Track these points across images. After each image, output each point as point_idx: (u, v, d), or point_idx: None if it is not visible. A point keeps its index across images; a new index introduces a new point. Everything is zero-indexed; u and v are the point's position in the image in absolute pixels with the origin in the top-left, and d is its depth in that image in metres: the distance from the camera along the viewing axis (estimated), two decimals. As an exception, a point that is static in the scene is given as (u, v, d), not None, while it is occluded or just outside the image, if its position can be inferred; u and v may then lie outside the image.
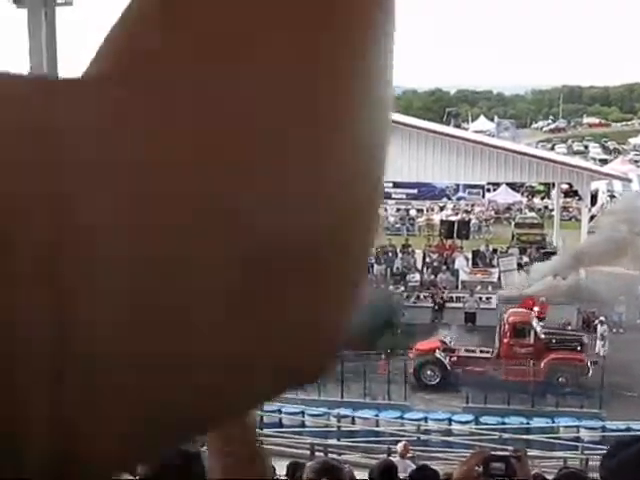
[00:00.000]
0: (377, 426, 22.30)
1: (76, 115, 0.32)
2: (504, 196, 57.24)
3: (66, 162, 0.32)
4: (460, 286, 34.14)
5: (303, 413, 22.88)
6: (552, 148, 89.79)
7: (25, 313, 0.32)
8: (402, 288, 34.06)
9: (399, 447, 13.47)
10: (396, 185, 58.44)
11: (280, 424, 22.33)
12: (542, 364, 25.56)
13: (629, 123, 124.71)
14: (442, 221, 44.61)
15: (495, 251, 37.72)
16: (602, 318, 29.21)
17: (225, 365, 0.40)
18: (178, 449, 3.13)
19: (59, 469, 0.38)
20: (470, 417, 22.54)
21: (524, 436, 20.31)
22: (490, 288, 33.68)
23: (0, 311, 0.32)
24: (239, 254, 0.39)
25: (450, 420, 22.48)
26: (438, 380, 25.95)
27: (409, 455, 13.67)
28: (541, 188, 59.88)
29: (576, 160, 50.27)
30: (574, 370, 25.26)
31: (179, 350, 0.37)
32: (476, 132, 72.72)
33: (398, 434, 19.97)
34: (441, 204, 58.48)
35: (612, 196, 50.91)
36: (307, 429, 21.94)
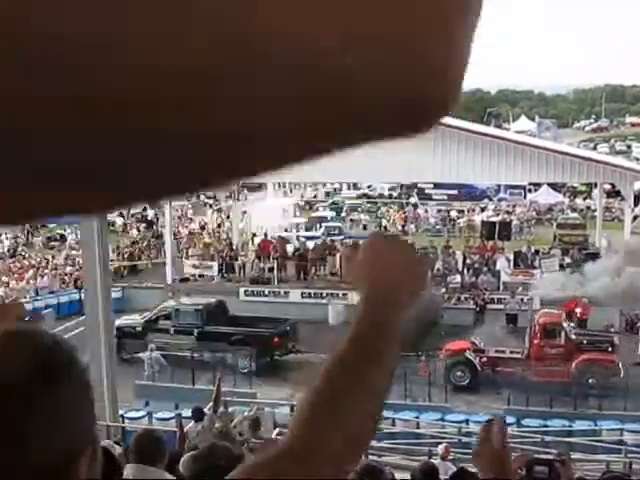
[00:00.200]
0: (418, 428, 22.24)
1: None
2: (546, 197, 56.84)
3: None
4: (501, 287, 33.97)
5: (344, 414, 22.88)
6: (594, 148, 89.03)
7: None
8: (443, 289, 33.97)
9: (440, 449, 13.45)
10: (437, 186, 58.40)
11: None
12: (573, 365, 25.43)
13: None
14: (483, 222, 44.41)
15: (537, 252, 37.49)
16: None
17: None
18: (223, 450, 3.16)
19: None
20: (512, 419, 22.38)
21: (566, 439, 20.13)
22: (531, 289, 33.46)
23: None
24: None
25: (491, 422, 22.35)
26: (468, 381, 25.88)
27: (450, 457, 13.62)
28: (583, 188, 59.42)
29: (619, 160, 49.66)
30: (605, 371, 25.06)
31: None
32: (517, 132, 72.21)
33: (439, 436, 19.90)
34: (482, 205, 58.28)
35: (656, 196, 50.32)
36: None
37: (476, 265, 36.07)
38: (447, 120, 41.81)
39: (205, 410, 13.45)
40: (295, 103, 0.38)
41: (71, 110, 0.34)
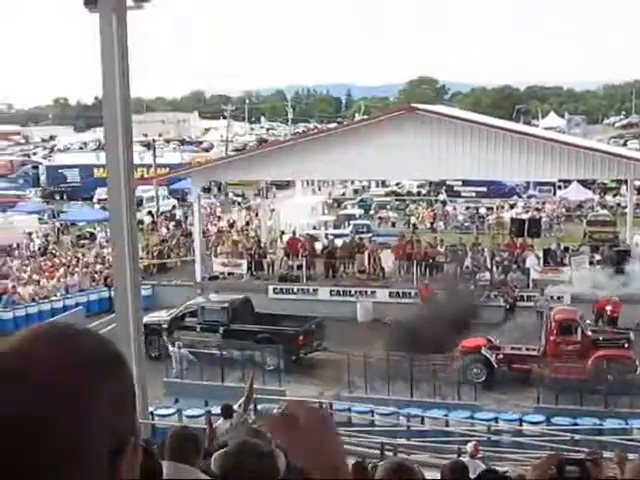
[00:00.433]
0: (447, 426, 22.18)
1: None
2: (575, 193, 56.47)
3: None
4: (531, 285, 33.79)
5: (373, 412, 22.88)
6: (624, 144, 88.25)
7: None
8: (472, 287, 33.84)
9: (469, 447, 13.39)
10: (465, 183, 58.23)
11: (350, 423, 22.35)
12: (589, 361, 25.26)
13: None
14: (512, 219, 44.19)
15: (567, 249, 37.24)
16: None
17: None
18: (253, 446, 3.16)
19: None
20: (542, 417, 22.27)
21: (597, 437, 19.99)
22: (562, 286, 33.26)
23: None
24: None
25: (521, 420, 22.24)
26: (484, 378, 25.76)
27: (479, 455, 13.56)
28: (613, 185, 58.97)
29: (650, 156, 49.28)
30: (622, 368, 24.84)
31: None
32: (546, 129, 71.91)
33: (468, 434, 19.83)
34: (511, 202, 58.03)
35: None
36: (377, 428, 21.92)
37: (505, 262, 35.89)
38: (476, 117, 41.80)
39: (235, 407, 13.47)
40: None
41: None
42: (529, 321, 29.81)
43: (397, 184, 66.14)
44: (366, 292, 34.77)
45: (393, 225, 53.37)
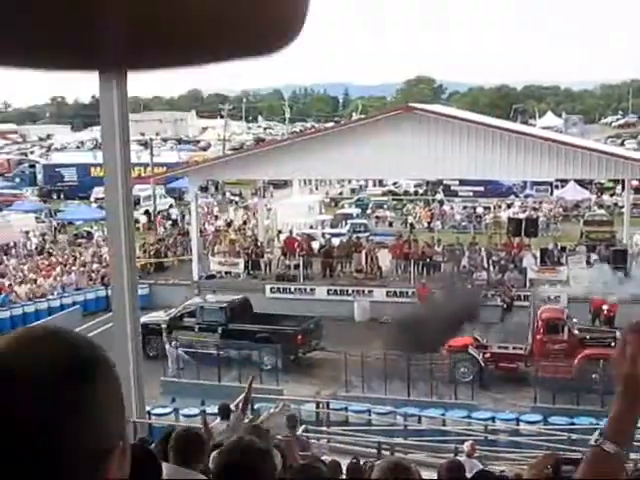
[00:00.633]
0: (444, 425, 22.19)
1: None
2: (572, 193, 56.46)
3: None
4: (528, 284, 33.82)
5: (370, 411, 22.88)
6: (622, 144, 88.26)
7: None
8: (469, 286, 33.87)
9: (466, 446, 13.38)
10: (463, 183, 58.26)
11: (347, 422, 22.36)
12: (576, 360, 25.28)
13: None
14: (509, 219, 44.23)
15: (564, 249, 37.27)
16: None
17: None
18: (249, 446, 3.16)
19: (137, 37, 0.49)
20: (538, 417, 22.29)
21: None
22: (559, 286, 33.30)
23: None
24: None
25: (518, 420, 22.26)
26: (472, 377, 25.77)
27: (476, 455, 13.56)
28: (610, 185, 59.00)
29: (647, 156, 49.33)
30: (608, 367, 24.84)
31: None
32: (543, 128, 71.88)
33: (465, 433, 19.84)
34: (508, 201, 58.03)
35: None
36: (374, 427, 21.92)
37: (502, 262, 35.93)
38: (473, 116, 41.82)
39: (232, 407, 13.45)
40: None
41: None
42: (526, 321, 29.81)
43: (394, 183, 66.13)
44: (363, 291, 34.78)
45: (390, 224, 53.34)
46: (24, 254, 44.29)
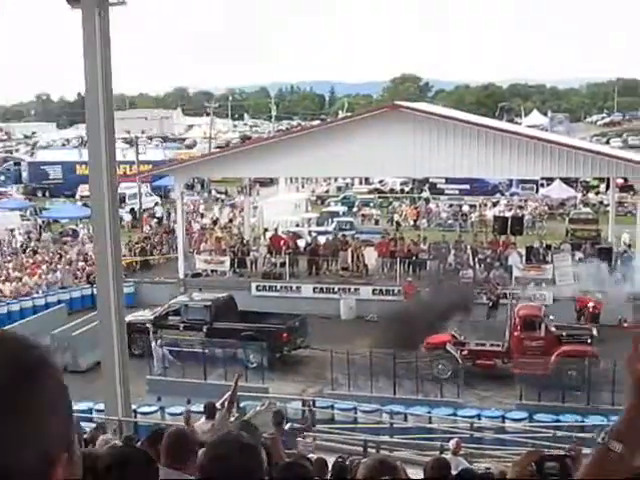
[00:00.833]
0: (429, 423, 22.21)
1: None
2: (558, 191, 56.69)
3: None
4: (514, 282, 33.89)
5: (356, 409, 22.89)
6: (607, 142, 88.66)
7: None
8: (456, 284, 33.91)
9: (451, 444, 13.41)
10: (449, 181, 58.36)
11: (333, 420, 22.37)
12: (553, 357, 25.39)
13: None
14: (495, 217, 44.33)
15: (549, 247, 37.37)
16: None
17: None
18: (236, 440, 3.15)
19: None
20: (524, 414, 22.35)
21: (579, 434, 20.07)
22: (544, 284, 33.42)
23: None
24: None
25: (504, 417, 22.31)
26: (449, 374, 25.82)
27: (461, 452, 13.59)
28: (596, 183, 59.22)
29: (632, 154, 49.49)
30: (584, 363, 24.91)
31: None
32: (529, 127, 72.05)
33: (451, 431, 19.87)
34: (494, 200, 58.15)
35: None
36: (359, 425, 21.94)
37: (488, 260, 36.00)
38: (459, 115, 41.84)
39: (217, 405, 13.42)
40: None
41: None
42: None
43: (380, 181, 66.19)
44: (349, 289, 34.79)
45: (376, 222, 53.40)
46: (9, 252, 44.11)
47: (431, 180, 59.91)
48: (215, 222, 50.11)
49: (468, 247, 37.78)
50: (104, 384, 17.52)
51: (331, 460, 9.87)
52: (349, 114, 65.38)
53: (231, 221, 49.96)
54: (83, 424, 15.48)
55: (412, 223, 51.43)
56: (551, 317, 27.41)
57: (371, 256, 37.20)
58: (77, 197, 61.10)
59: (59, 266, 38.95)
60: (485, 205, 55.96)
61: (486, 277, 34.46)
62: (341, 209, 55.10)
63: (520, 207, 54.40)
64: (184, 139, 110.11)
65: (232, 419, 12.56)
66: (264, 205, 48.74)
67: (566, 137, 55.95)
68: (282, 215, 46.18)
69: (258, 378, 25.47)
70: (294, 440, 13.52)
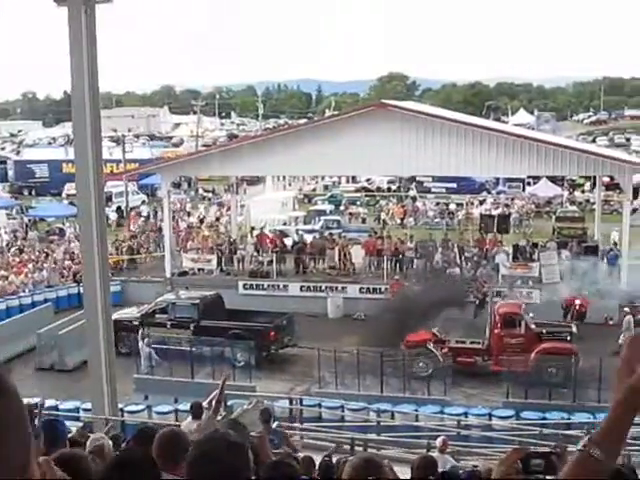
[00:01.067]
0: (417, 421, 22.23)
1: None
2: (544, 190, 56.86)
3: None
4: (501, 280, 33.96)
5: (343, 407, 22.89)
6: (593, 141, 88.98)
7: None
8: (443, 282, 33.93)
9: (438, 442, 13.42)
10: (435, 179, 58.46)
11: (320, 418, 22.36)
12: (533, 354, 25.46)
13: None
14: (482, 215, 44.39)
15: (536, 245, 37.47)
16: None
17: None
18: (223, 439, 3.14)
19: None
20: (511, 412, 22.40)
21: (565, 431, 20.12)
22: (530, 283, 33.51)
23: None
24: None
25: (490, 415, 22.35)
26: (430, 372, 25.85)
27: (448, 450, 13.61)
28: (582, 181, 59.42)
29: (618, 153, 49.68)
30: (565, 360, 24.97)
31: None
32: (516, 125, 72.29)
33: (438, 429, 19.90)
34: (481, 198, 58.27)
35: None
36: (347, 423, 21.94)
37: (475, 258, 36.07)
38: (446, 113, 41.91)
39: (204, 404, 13.36)
40: None
41: None
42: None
43: (367, 180, 66.23)
44: (336, 288, 34.80)
45: (363, 221, 53.42)
46: (-5, 251, 43.92)
47: (418, 178, 59.99)
48: (202, 221, 50.05)
49: (455, 245, 37.86)
50: (91, 383, 17.46)
51: (318, 459, 9.87)
52: (336, 113, 65.40)
53: (218, 220, 49.91)
54: (70, 423, 15.45)
55: (399, 221, 51.49)
56: (531, 314, 27.48)
57: (358, 254, 37.23)
58: (63, 195, 60.91)
59: (45, 265, 38.82)
60: (472, 203, 56.07)
61: (473, 275, 34.53)
62: (328, 207, 55.09)
63: (507, 205, 54.52)
64: (171, 137, 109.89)
65: (219, 418, 12.50)
66: (251, 203, 48.69)
67: (552, 136, 56.14)
68: (269, 213, 46.16)
69: (245, 377, 25.44)
70: (282, 438, 13.49)
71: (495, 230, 37.97)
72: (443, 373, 25.26)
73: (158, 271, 37.50)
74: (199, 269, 37.60)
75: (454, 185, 59.01)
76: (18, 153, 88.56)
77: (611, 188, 50.56)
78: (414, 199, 57.88)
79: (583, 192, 58.69)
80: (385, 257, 36.02)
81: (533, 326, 26.61)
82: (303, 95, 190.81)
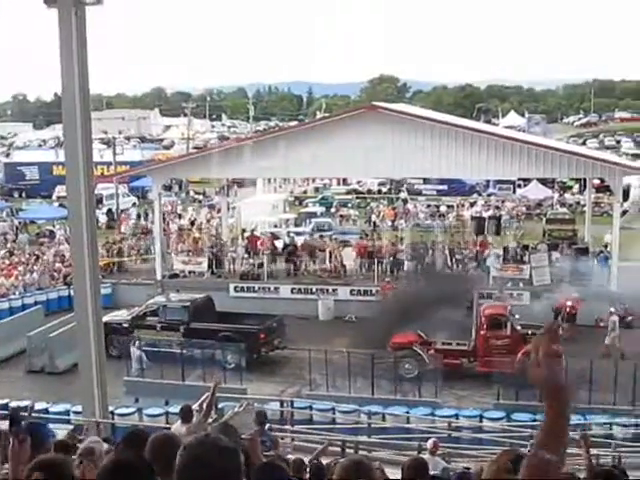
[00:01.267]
0: (408, 423, 22.23)
1: None
2: (535, 192, 57.00)
3: None
4: (491, 282, 34.00)
5: (334, 410, 22.88)
6: (584, 143, 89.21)
7: None
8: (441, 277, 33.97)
9: (429, 444, 13.41)
10: (426, 181, 58.56)
11: (311, 421, 22.34)
12: (519, 356, 25.48)
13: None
14: (473, 217, 44.44)
15: (526, 247, 37.53)
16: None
17: None
18: (214, 443, 3.12)
19: None
20: (502, 414, 22.41)
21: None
22: (521, 284, 33.56)
23: None
24: None
25: (481, 417, 22.37)
26: (417, 373, 25.86)
27: (439, 452, 13.61)
28: (572, 183, 59.58)
29: (608, 155, 49.85)
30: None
31: None
32: (506, 127, 72.46)
33: (429, 431, 19.89)
34: (471, 200, 58.37)
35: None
36: (338, 426, 21.93)
37: (466, 260, 36.11)
38: (437, 116, 41.98)
39: (194, 407, 13.32)
40: None
41: None
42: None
43: (358, 182, 66.29)
44: (327, 290, 34.80)
45: (354, 223, 53.44)
46: (-15, 253, 43.78)
47: (409, 181, 60.09)
48: (193, 223, 49.98)
49: (446, 247, 37.90)
50: (81, 386, 17.42)
51: (306, 459, 9.86)
52: (327, 115, 65.45)
53: (209, 222, 49.85)
54: (61, 426, 15.42)
55: (390, 224, 51.49)
56: (517, 316, 27.51)
57: (349, 257, 37.25)
58: (54, 198, 60.77)
59: (36, 267, 38.71)
60: (462, 205, 56.15)
61: (466, 276, 34.55)
62: (319, 210, 55.14)
63: (497, 207, 54.61)
64: (162, 140, 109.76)
65: (210, 420, 12.47)
66: (242, 206, 48.65)
67: (543, 138, 56.26)
68: (260, 216, 46.15)
69: (236, 379, 25.40)
70: (275, 440, 13.47)
71: (486, 232, 38.03)
72: (430, 375, 25.26)
73: (149, 273, 37.44)
74: (190, 271, 37.55)
75: (445, 187, 59.14)
76: (8, 155, 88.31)
77: (601, 190, 50.68)
78: (405, 201, 57.95)
79: (573, 194, 58.83)
80: (376, 259, 36.04)
81: (519, 327, 26.65)
82: (294, 97, 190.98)
